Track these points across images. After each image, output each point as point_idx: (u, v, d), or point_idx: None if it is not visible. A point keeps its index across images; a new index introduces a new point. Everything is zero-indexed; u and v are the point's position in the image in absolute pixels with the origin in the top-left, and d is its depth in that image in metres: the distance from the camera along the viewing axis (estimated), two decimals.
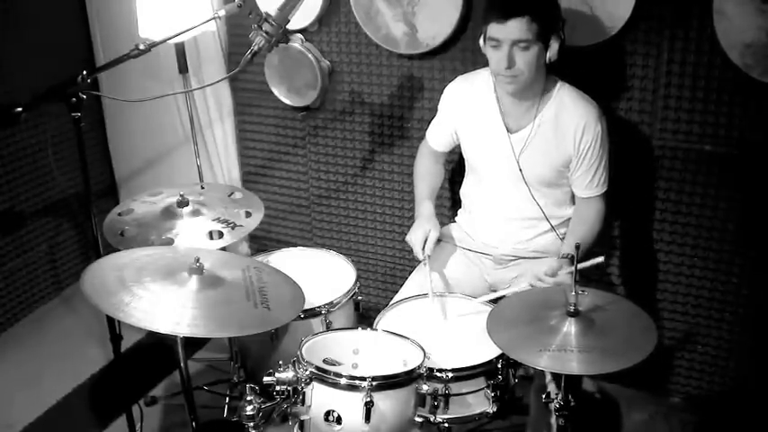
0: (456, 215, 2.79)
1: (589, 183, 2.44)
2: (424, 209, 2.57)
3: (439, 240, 2.53)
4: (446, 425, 2.09)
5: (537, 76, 2.34)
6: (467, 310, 2.38)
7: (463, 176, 2.73)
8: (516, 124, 2.44)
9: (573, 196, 2.54)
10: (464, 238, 2.66)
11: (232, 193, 2.66)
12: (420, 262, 2.53)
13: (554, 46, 2.30)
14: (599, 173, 2.44)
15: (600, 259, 2.22)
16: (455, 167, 2.81)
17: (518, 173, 2.44)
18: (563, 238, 2.53)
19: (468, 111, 2.52)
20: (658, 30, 2.56)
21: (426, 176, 2.69)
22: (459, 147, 2.65)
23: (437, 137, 2.66)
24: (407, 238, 2.52)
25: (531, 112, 2.41)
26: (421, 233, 2.47)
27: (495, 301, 2.37)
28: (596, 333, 1.93)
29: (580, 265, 2.06)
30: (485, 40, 2.33)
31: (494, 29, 2.26)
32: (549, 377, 2.27)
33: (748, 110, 2.52)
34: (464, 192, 2.71)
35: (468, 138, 2.56)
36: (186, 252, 2.17)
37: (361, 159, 3.25)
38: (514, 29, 2.22)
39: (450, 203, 3.06)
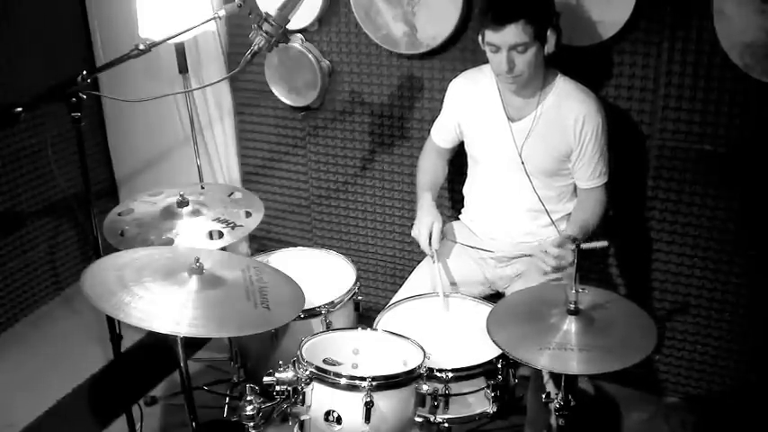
0: (457, 213, 2.79)
1: (591, 173, 2.46)
2: (425, 200, 2.57)
3: (443, 238, 2.53)
4: (446, 425, 2.09)
5: (537, 71, 2.37)
6: (467, 309, 2.38)
7: (464, 177, 2.73)
8: (518, 114, 2.46)
9: (574, 191, 2.55)
10: (466, 235, 2.67)
11: (232, 193, 2.66)
12: (425, 256, 2.54)
13: (551, 40, 2.32)
14: (600, 163, 2.46)
15: (603, 243, 2.16)
16: (456, 168, 2.81)
17: (519, 162, 2.46)
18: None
19: (471, 103, 2.55)
20: (658, 30, 2.56)
21: (429, 170, 2.70)
22: (462, 145, 2.66)
23: (441, 133, 2.68)
24: (413, 233, 2.52)
25: (533, 102, 2.43)
26: (425, 227, 2.47)
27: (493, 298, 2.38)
28: (596, 332, 1.93)
29: (585, 246, 2.05)
30: (483, 43, 2.34)
31: (490, 35, 2.28)
32: (546, 376, 2.27)
33: (748, 110, 2.52)
34: (466, 189, 2.72)
35: (470, 129, 2.57)
36: (186, 252, 2.17)
37: (361, 159, 3.25)
38: (511, 34, 2.24)
39: (450, 203, 3.06)
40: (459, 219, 2.76)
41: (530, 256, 2.55)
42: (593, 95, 2.44)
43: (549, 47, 2.32)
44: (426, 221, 2.49)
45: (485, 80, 2.52)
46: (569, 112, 2.40)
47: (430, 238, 2.46)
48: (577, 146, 2.42)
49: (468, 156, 2.66)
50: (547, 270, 2.29)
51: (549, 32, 2.30)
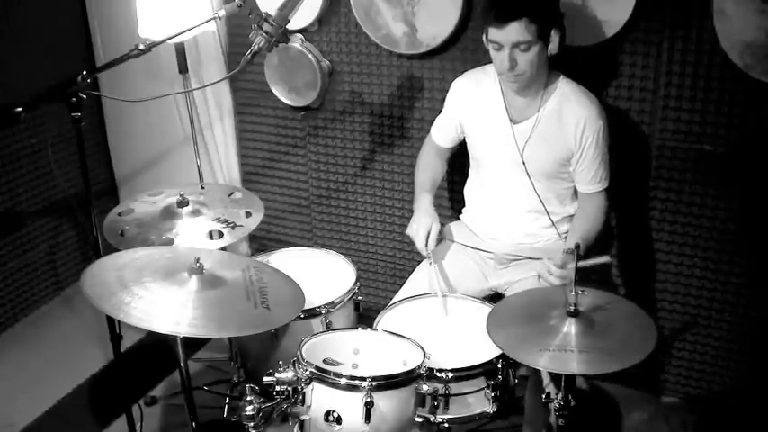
0: (457, 213, 2.79)
1: (592, 178, 2.46)
2: (423, 201, 2.56)
3: (441, 239, 2.53)
4: (446, 425, 2.09)
5: (540, 71, 2.36)
6: (467, 309, 2.38)
7: (465, 177, 2.73)
8: (520, 116, 2.46)
9: (574, 193, 2.55)
10: (467, 235, 2.67)
11: (232, 193, 2.66)
12: (422, 257, 2.53)
13: (555, 40, 2.31)
14: (601, 168, 2.45)
15: (605, 258, 2.20)
16: (457, 167, 2.81)
17: (520, 164, 2.45)
18: (565, 236, 2.54)
19: (473, 103, 2.54)
20: (658, 30, 2.56)
21: (428, 169, 2.69)
22: (463, 145, 2.66)
23: (441, 132, 2.68)
24: (408, 231, 2.52)
25: (535, 104, 2.42)
26: (423, 228, 2.46)
27: (495, 299, 2.38)
28: (596, 333, 1.93)
29: (585, 263, 2.06)
30: (486, 40, 2.34)
31: (493, 32, 2.27)
32: (546, 377, 2.27)
33: (748, 110, 2.52)
34: (467, 189, 2.72)
35: (472, 129, 2.57)
36: (186, 252, 2.17)
37: (361, 159, 3.25)
38: (513, 32, 2.23)
39: (449, 203, 3.06)
40: (459, 219, 2.76)
41: (530, 258, 2.55)
42: (596, 99, 2.43)
43: (553, 47, 2.31)
44: (425, 222, 2.48)
45: (488, 81, 2.51)
46: (571, 115, 2.40)
47: (427, 239, 2.46)
48: (578, 150, 2.41)
49: (470, 156, 2.66)
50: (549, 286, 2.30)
51: (552, 32, 2.30)
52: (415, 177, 2.73)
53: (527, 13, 2.21)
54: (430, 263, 2.47)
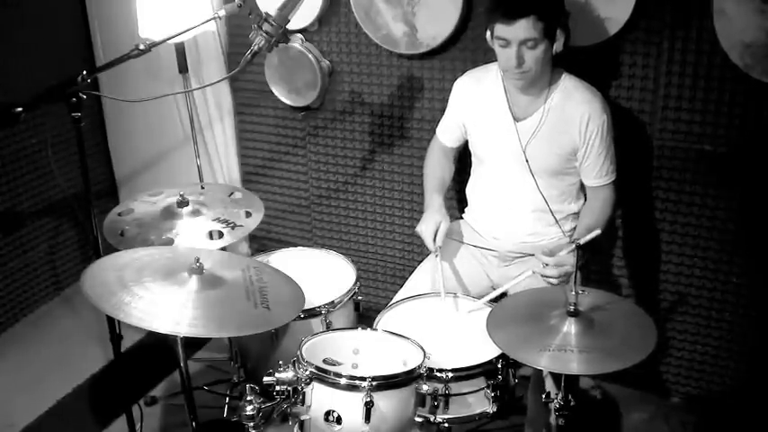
0: (462, 212, 2.79)
1: (598, 171, 2.46)
2: (434, 201, 2.57)
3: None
4: (446, 425, 2.09)
5: (545, 69, 2.37)
6: (467, 309, 2.38)
7: (469, 175, 2.73)
8: (523, 113, 2.46)
9: (578, 191, 2.55)
10: (470, 234, 2.67)
11: (232, 193, 2.66)
12: (426, 256, 2.55)
13: (560, 39, 2.32)
14: (607, 161, 2.46)
15: (597, 231, 2.21)
16: (461, 165, 2.81)
17: (523, 161, 2.45)
18: (569, 234, 2.54)
19: (476, 102, 2.55)
20: (658, 30, 2.56)
21: (436, 170, 2.70)
22: (466, 143, 2.66)
23: (446, 132, 2.68)
24: (417, 229, 2.52)
25: (538, 101, 2.43)
26: (432, 224, 2.47)
27: (497, 299, 2.38)
28: (596, 333, 1.93)
29: (580, 241, 2.06)
30: (492, 37, 2.34)
31: (501, 29, 2.28)
32: (548, 378, 2.27)
33: (748, 110, 2.52)
34: (470, 188, 2.72)
35: (476, 128, 2.57)
36: (186, 252, 2.17)
37: (361, 159, 3.25)
38: (521, 29, 2.24)
39: (452, 203, 3.05)
40: (462, 218, 2.76)
41: (532, 255, 2.55)
42: (599, 93, 2.44)
43: (558, 46, 2.33)
44: (434, 219, 2.48)
45: (490, 79, 2.52)
46: (575, 110, 2.40)
47: (435, 235, 2.46)
48: (583, 144, 2.42)
49: (473, 154, 2.66)
50: (554, 283, 2.28)
51: (558, 31, 2.31)
52: (423, 180, 2.73)
53: (534, 11, 2.23)
54: (436, 255, 2.46)
